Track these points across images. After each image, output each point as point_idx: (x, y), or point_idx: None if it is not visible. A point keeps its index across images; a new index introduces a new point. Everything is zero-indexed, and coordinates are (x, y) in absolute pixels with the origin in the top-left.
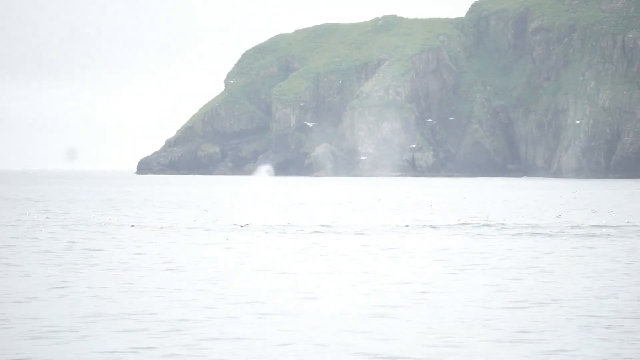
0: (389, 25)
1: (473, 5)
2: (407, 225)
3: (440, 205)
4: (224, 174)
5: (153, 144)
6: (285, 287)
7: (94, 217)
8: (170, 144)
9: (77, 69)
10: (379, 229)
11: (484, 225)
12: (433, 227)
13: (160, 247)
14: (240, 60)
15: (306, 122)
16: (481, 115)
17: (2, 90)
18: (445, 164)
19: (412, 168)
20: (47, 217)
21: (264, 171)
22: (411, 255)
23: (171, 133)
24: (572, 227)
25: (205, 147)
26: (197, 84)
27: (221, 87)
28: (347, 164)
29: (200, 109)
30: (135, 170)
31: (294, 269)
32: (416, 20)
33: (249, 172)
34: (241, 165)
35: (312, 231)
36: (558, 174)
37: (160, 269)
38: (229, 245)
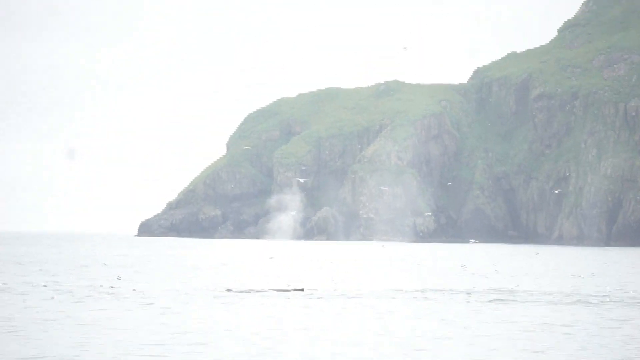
0: (391, 90)
1: (475, 72)
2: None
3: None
4: (225, 237)
5: (154, 207)
6: None
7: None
8: (172, 206)
9: (76, 127)
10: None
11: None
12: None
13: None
14: (242, 124)
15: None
16: (483, 182)
17: None
18: (446, 230)
19: (414, 233)
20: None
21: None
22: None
23: (173, 196)
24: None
25: (206, 210)
26: (199, 146)
27: (223, 151)
28: (348, 228)
29: (202, 172)
30: (136, 232)
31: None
32: (418, 85)
33: (251, 236)
34: (242, 229)
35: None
36: (559, 241)
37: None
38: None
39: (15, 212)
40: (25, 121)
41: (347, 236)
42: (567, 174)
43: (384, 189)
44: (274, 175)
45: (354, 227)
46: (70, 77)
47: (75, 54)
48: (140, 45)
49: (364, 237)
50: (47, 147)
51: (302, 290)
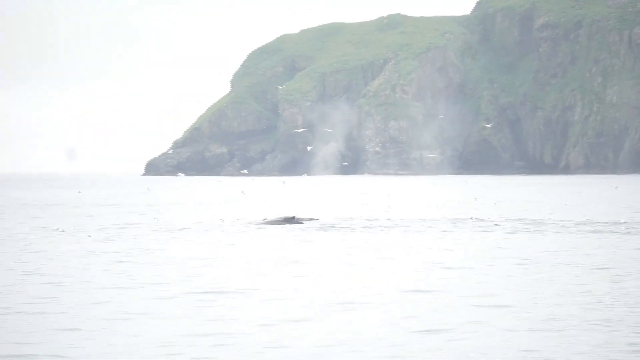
0: (394, 23)
1: (478, 3)
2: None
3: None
4: (232, 174)
5: (159, 146)
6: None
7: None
8: (178, 145)
9: (80, 71)
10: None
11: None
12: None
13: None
14: (246, 61)
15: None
16: (488, 113)
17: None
18: (452, 162)
19: (420, 167)
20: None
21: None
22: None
23: (178, 134)
24: None
25: (212, 148)
26: (203, 84)
27: (227, 88)
28: (354, 163)
29: (207, 110)
30: (143, 172)
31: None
32: (421, 18)
33: (257, 173)
34: (248, 166)
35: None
36: (566, 170)
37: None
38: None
39: (14, 154)
40: (39, 65)
41: (354, 171)
42: (573, 102)
43: (390, 122)
44: (279, 112)
45: (360, 161)
46: (80, 17)
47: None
48: None
49: (370, 172)
50: (54, 92)
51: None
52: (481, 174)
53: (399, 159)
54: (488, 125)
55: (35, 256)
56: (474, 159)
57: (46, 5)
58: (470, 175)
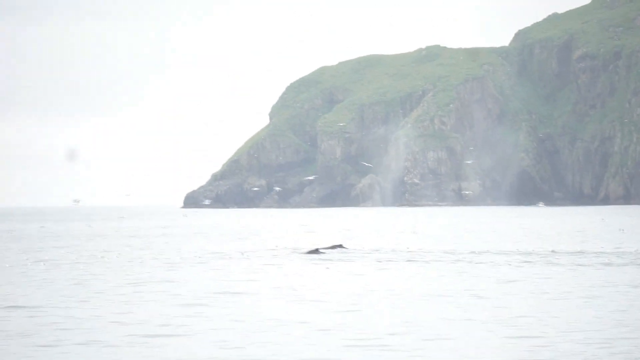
0: (432, 55)
1: (517, 34)
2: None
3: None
4: (270, 206)
5: (199, 179)
6: None
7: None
8: (217, 177)
9: (125, 104)
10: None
11: None
12: None
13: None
14: (284, 93)
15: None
16: (527, 144)
17: (32, 123)
18: (491, 193)
19: (459, 198)
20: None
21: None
22: None
23: (217, 167)
24: None
25: (251, 181)
26: (242, 117)
27: (266, 121)
28: (393, 194)
29: (245, 142)
30: (182, 204)
31: None
32: (460, 49)
33: (295, 205)
34: (287, 198)
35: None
36: (605, 201)
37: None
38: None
39: (48, 187)
40: (76, 95)
41: (392, 202)
42: (612, 133)
43: (428, 154)
44: (318, 144)
45: (398, 193)
46: (117, 54)
47: (123, 31)
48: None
49: (409, 203)
50: (96, 121)
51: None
52: (520, 205)
53: (438, 190)
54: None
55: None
56: (513, 190)
57: (84, 35)
58: (508, 207)
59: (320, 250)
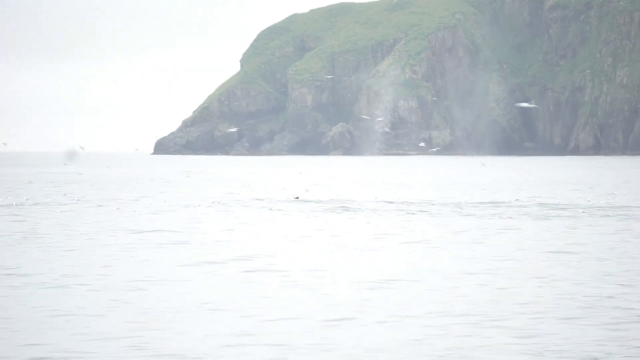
0: (404, 3)
1: None
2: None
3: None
4: (241, 154)
5: (168, 125)
6: None
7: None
8: (187, 124)
9: (90, 49)
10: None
11: None
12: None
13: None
14: (255, 40)
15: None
16: (498, 94)
17: (16, 73)
18: (461, 143)
19: (429, 147)
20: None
21: None
22: None
23: (187, 113)
24: None
25: (222, 127)
26: (213, 64)
27: (237, 67)
28: (364, 143)
29: (216, 89)
30: (152, 151)
31: None
32: None
33: (266, 152)
34: (257, 146)
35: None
36: (575, 151)
37: None
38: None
39: (25, 132)
40: (52, 42)
41: (363, 151)
42: (583, 84)
43: (399, 103)
44: (289, 92)
45: (369, 142)
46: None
47: None
48: None
49: (379, 152)
50: (63, 68)
51: None
52: (491, 154)
53: (408, 139)
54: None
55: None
56: (484, 140)
57: None
58: (477, 157)
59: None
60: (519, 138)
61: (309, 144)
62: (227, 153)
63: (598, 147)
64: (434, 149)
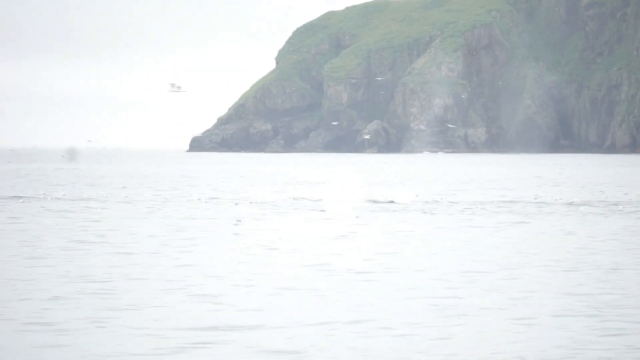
0: (440, 1)
1: None
2: None
3: None
4: (276, 151)
5: (205, 123)
6: None
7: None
8: (222, 121)
9: (127, 48)
10: None
11: None
12: None
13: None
14: (291, 38)
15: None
16: (534, 91)
17: (51, 69)
18: (497, 141)
19: (464, 145)
20: None
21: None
22: None
23: (223, 111)
24: None
25: (257, 125)
26: (249, 61)
27: (272, 65)
28: (399, 141)
29: (251, 87)
30: (188, 148)
31: None
32: None
33: (301, 150)
34: (292, 143)
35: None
36: (612, 149)
37: None
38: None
39: (57, 128)
40: (91, 41)
41: (398, 149)
42: (619, 81)
43: (435, 100)
44: (324, 89)
45: (404, 139)
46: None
47: None
48: None
49: (414, 150)
50: (105, 66)
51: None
52: (526, 152)
53: (444, 136)
54: None
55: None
56: (520, 138)
57: None
58: (512, 155)
59: None
60: (555, 136)
61: (344, 142)
62: (262, 150)
63: (634, 145)
64: (471, 146)
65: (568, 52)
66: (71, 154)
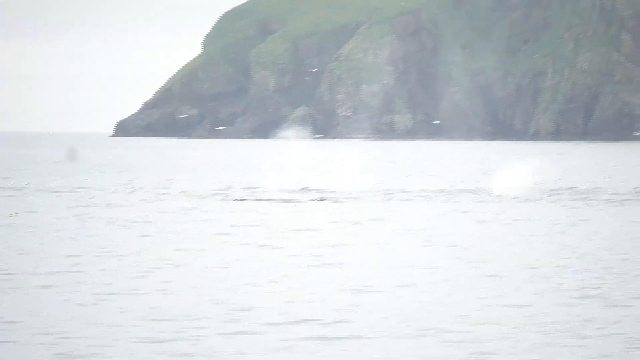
0: None
1: None
2: None
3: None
4: (202, 136)
5: (129, 107)
6: None
7: None
8: (148, 106)
9: (55, 29)
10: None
11: None
12: None
13: None
14: (218, 22)
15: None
16: (460, 78)
17: None
18: (423, 127)
19: (390, 131)
20: None
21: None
22: None
23: (148, 95)
24: None
25: (183, 110)
26: (175, 45)
27: (199, 50)
28: (325, 126)
29: (178, 71)
30: (113, 132)
31: None
32: None
33: (227, 135)
34: (218, 128)
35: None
36: (536, 136)
37: None
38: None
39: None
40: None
41: (324, 135)
42: (544, 69)
43: (361, 87)
44: (251, 74)
45: (331, 126)
46: None
47: None
48: None
49: (340, 136)
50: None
51: None
52: (452, 139)
53: (370, 123)
54: None
55: None
56: (446, 125)
57: None
58: (438, 141)
59: None
60: (481, 123)
61: (270, 127)
62: (188, 136)
63: (558, 133)
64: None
65: (494, 39)
66: (72, 154)
